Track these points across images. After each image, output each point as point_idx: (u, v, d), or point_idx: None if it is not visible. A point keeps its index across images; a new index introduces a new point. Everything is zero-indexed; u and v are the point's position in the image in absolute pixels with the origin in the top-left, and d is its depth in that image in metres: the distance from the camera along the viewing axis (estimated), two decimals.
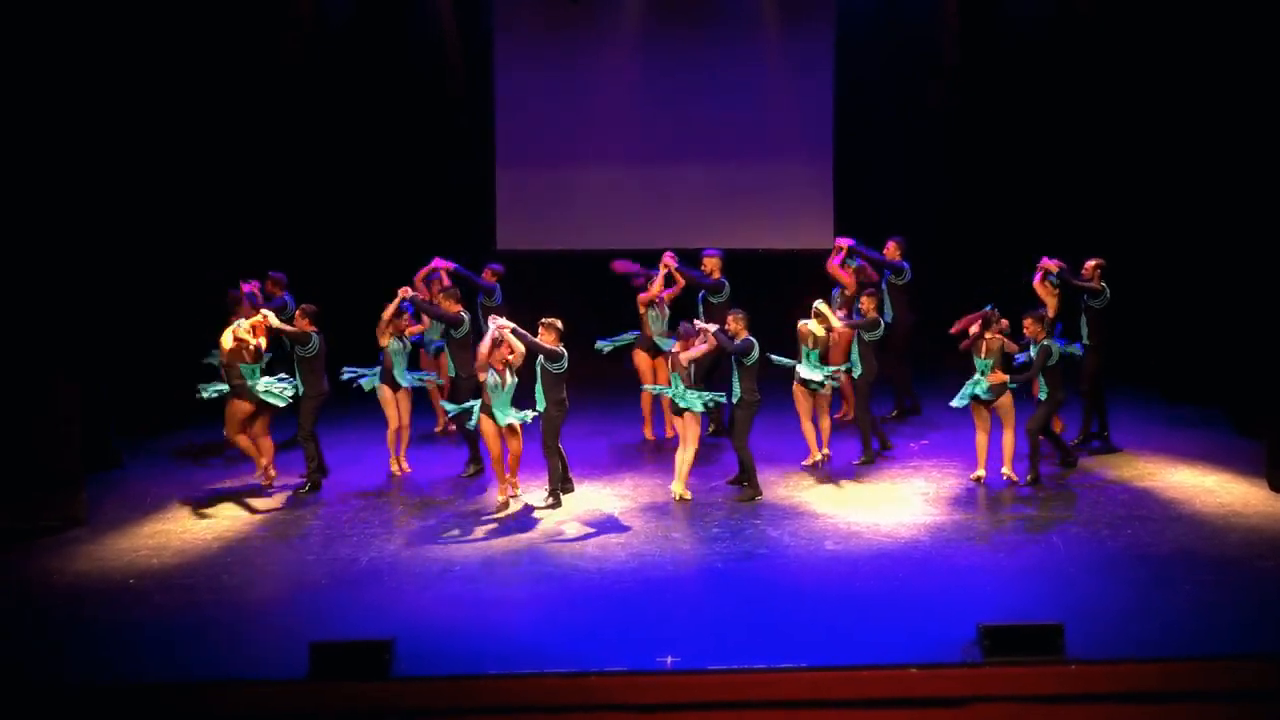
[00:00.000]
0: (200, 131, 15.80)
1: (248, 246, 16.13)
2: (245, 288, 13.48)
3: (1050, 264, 13.17)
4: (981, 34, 16.56)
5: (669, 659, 8.71)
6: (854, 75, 16.84)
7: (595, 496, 12.32)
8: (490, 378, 11.83)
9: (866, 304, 13.02)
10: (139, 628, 9.54)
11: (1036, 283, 13.26)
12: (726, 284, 13.96)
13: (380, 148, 16.98)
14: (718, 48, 16.84)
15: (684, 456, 12.19)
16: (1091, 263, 13.35)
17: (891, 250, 14.40)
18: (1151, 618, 9.36)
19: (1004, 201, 16.97)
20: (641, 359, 14.06)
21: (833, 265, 14.05)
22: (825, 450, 13.15)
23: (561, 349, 11.86)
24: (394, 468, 13.05)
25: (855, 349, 13.11)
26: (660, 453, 13.60)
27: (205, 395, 12.86)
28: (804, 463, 13.10)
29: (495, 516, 11.81)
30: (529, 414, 11.98)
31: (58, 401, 11.78)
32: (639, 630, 9.28)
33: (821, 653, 8.78)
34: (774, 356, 13.04)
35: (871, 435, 13.17)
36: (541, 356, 11.82)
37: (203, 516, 11.97)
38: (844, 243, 14.19)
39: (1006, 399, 12.33)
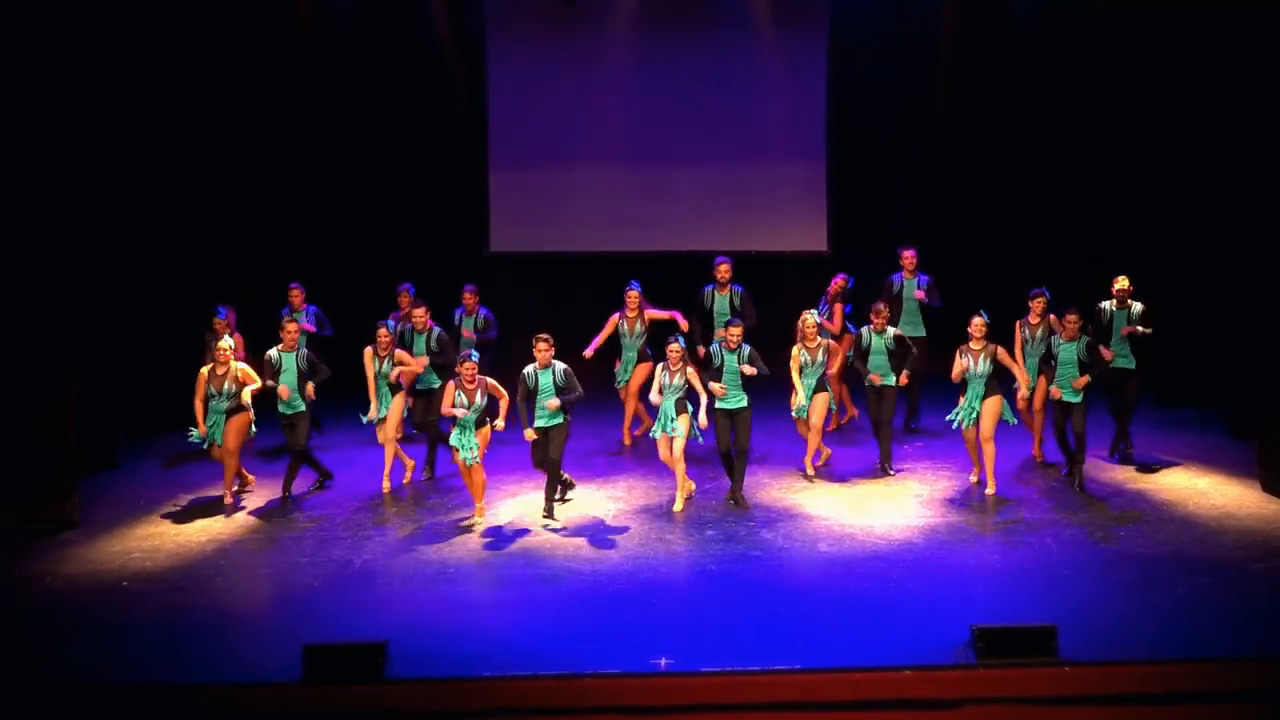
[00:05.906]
0: (196, 132, 15.77)
1: (245, 247, 16.15)
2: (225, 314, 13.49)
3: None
4: (977, 34, 16.54)
5: (663, 661, 8.71)
6: (848, 77, 16.83)
7: (589, 499, 12.31)
8: (458, 398, 11.63)
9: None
10: (132, 630, 9.52)
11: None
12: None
13: (373, 150, 16.95)
14: (711, 50, 16.83)
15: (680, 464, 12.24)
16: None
17: (908, 259, 14.47)
18: (1144, 620, 9.37)
19: (1000, 203, 16.97)
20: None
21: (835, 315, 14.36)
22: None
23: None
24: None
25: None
26: (654, 455, 13.57)
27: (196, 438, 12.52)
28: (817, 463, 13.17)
29: (486, 520, 11.82)
30: (475, 453, 11.74)
31: (55, 404, 11.76)
32: (633, 632, 9.28)
33: (816, 655, 8.79)
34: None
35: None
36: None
37: (196, 518, 11.96)
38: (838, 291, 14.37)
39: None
